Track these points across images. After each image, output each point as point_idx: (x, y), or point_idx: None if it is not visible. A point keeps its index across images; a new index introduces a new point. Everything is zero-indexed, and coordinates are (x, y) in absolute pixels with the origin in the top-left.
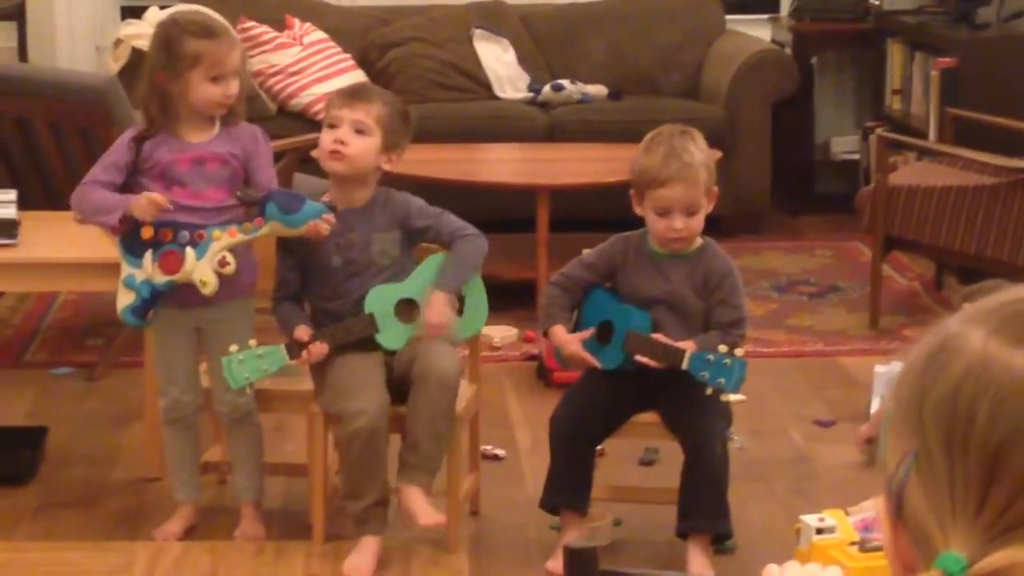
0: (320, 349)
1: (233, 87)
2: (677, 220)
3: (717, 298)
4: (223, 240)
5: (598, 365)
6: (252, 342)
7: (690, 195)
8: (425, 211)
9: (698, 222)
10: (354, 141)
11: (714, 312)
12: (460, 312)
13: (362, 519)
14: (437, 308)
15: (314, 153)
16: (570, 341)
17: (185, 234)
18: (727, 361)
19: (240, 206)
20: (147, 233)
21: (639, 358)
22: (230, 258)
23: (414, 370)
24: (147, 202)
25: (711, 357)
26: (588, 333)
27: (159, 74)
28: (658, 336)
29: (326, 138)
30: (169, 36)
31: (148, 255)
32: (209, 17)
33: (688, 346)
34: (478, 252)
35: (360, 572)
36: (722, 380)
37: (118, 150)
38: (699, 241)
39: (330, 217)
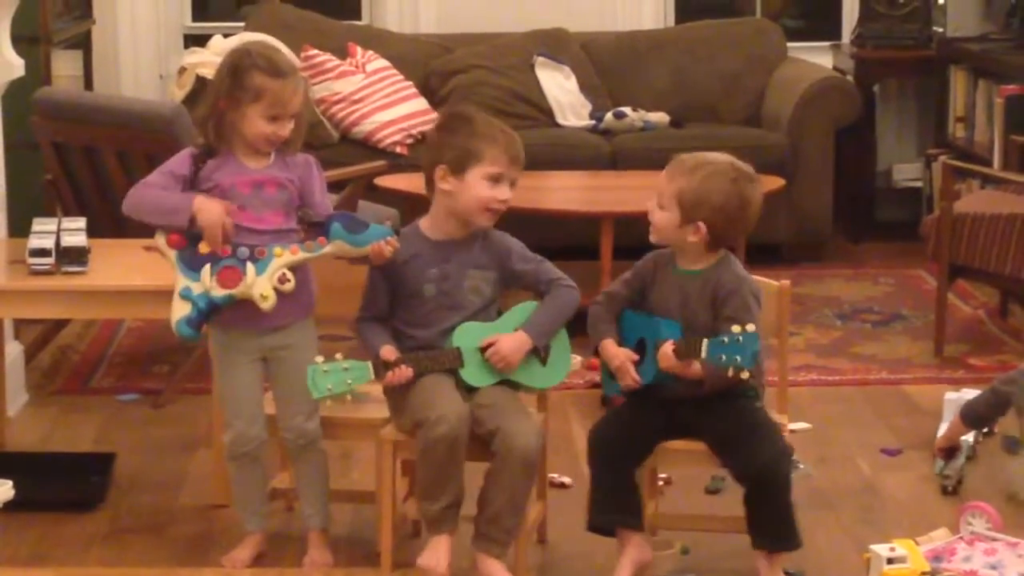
0: (405, 372)
1: (287, 128)
2: (651, 209)
3: (724, 314)
4: (284, 257)
5: (637, 380)
6: (338, 355)
7: (661, 185)
8: (525, 256)
9: (660, 219)
10: (511, 198)
11: (721, 329)
12: (544, 362)
13: (436, 519)
14: (513, 343)
15: (471, 203)
16: (617, 354)
17: (245, 250)
18: (739, 338)
19: (299, 231)
20: (206, 247)
21: (663, 364)
22: (290, 275)
23: (495, 444)
24: (217, 218)
25: (725, 339)
26: (633, 355)
27: (222, 100)
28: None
29: (488, 193)
30: (239, 66)
31: (207, 269)
32: (281, 55)
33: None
34: (571, 305)
35: (439, 566)
36: (737, 358)
37: (177, 161)
38: (713, 259)
39: (394, 240)
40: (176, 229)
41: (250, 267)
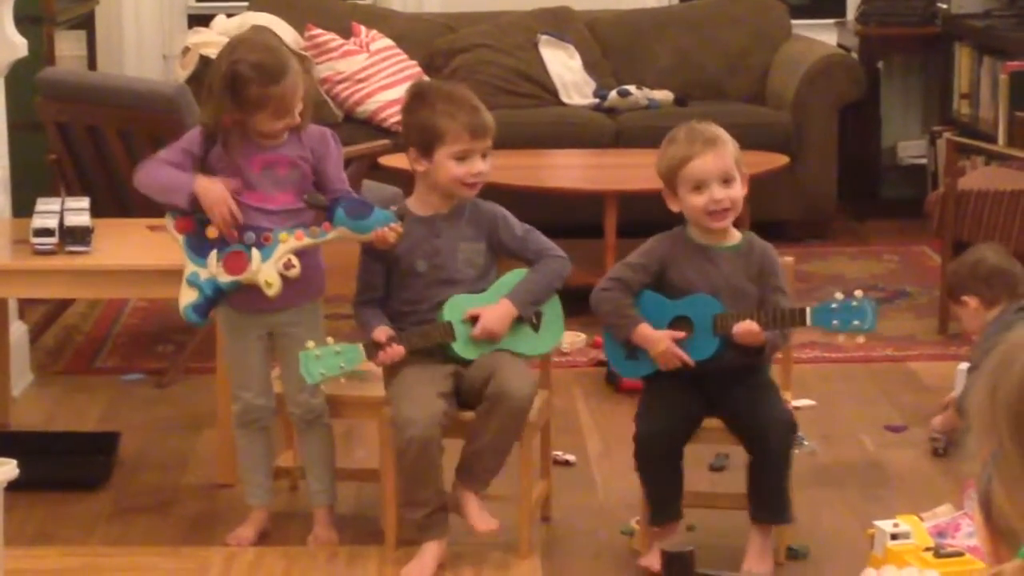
0: (396, 351)
1: (296, 116)
2: (716, 190)
3: (773, 284)
4: (289, 243)
5: (691, 361)
6: (330, 339)
7: (721, 163)
8: (513, 225)
9: (737, 192)
10: (486, 169)
11: (771, 299)
12: (536, 328)
13: (423, 526)
14: (497, 314)
15: (446, 181)
16: (661, 338)
17: (251, 235)
18: (855, 303)
19: (309, 210)
20: (213, 232)
21: (748, 339)
22: (295, 261)
23: (489, 389)
24: (219, 198)
25: (835, 305)
26: (678, 334)
27: (226, 116)
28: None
29: (459, 171)
30: (235, 81)
31: (213, 254)
32: (272, 54)
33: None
34: (559, 275)
35: (423, 575)
36: (857, 322)
37: (190, 139)
38: (738, 234)
39: (397, 226)
40: (180, 209)
41: (255, 253)
